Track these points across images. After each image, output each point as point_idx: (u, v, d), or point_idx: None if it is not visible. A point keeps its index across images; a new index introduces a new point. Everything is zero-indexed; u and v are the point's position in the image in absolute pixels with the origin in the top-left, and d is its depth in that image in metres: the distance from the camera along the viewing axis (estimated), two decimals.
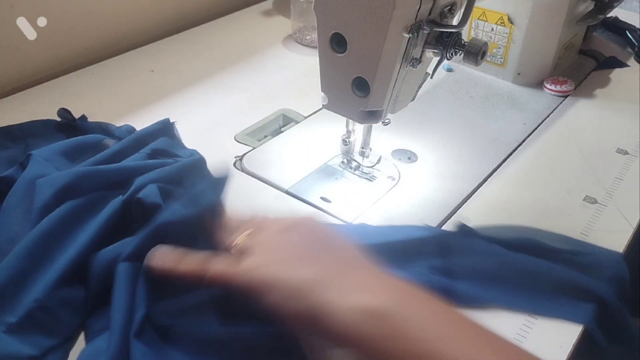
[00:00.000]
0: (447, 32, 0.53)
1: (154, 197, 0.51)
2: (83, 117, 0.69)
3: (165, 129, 0.66)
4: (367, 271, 0.45)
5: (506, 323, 0.49)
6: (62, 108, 0.68)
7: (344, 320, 0.40)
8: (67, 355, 0.45)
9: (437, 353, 0.37)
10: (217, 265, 0.45)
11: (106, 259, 0.48)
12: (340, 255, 0.46)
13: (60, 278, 0.47)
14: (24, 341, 0.43)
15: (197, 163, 0.61)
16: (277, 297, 0.42)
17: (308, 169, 0.66)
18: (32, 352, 0.43)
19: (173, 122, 0.67)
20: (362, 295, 0.41)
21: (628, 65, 0.90)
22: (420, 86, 0.60)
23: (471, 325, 0.40)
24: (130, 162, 0.59)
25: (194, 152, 0.64)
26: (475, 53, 0.54)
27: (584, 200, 0.63)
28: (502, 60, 0.84)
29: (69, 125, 0.67)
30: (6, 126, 0.66)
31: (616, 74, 0.88)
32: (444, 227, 0.58)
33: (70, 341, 0.46)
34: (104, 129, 0.68)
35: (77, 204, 0.52)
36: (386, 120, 0.59)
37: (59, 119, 0.68)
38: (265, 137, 0.74)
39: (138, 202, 0.51)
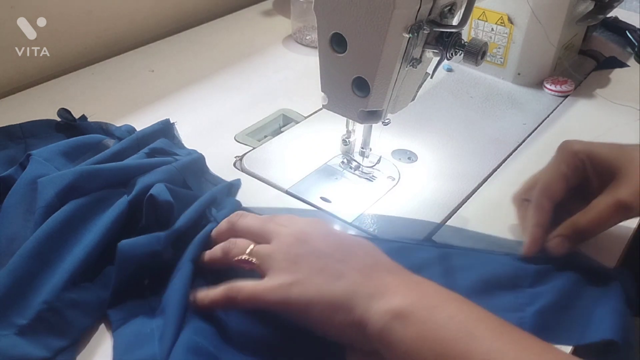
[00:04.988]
0: (447, 32, 0.53)
1: (165, 195, 0.52)
2: (83, 117, 0.69)
3: (166, 129, 0.66)
4: (391, 273, 0.44)
5: None
6: (62, 108, 0.68)
7: (375, 325, 0.40)
8: (74, 356, 0.45)
9: (467, 352, 0.37)
10: (246, 288, 0.45)
11: (138, 253, 0.48)
12: (363, 259, 0.45)
13: (69, 279, 0.47)
14: (34, 343, 0.43)
15: (197, 161, 0.62)
16: (317, 313, 0.42)
17: (308, 169, 0.66)
18: (43, 354, 0.43)
19: (173, 123, 0.67)
20: (388, 298, 0.41)
21: (628, 65, 0.90)
22: (420, 86, 0.60)
23: (499, 323, 0.39)
24: (130, 161, 0.59)
25: (191, 152, 0.64)
26: (475, 53, 0.54)
27: None
28: (502, 60, 0.84)
29: (69, 125, 0.67)
30: (6, 126, 0.66)
31: (616, 74, 0.88)
32: (445, 225, 0.58)
33: (80, 342, 0.46)
34: (104, 129, 0.68)
35: (81, 203, 0.52)
36: (386, 120, 0.59)
37: (58, 119, 0.68)
38: (265, 137, 0.74)
39: (151, 200, 0.51)
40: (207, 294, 0.46)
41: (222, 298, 0.45)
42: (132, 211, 0.52)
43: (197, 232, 0.52)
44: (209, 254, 0.50)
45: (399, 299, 0.41)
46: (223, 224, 0.52)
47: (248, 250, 0.47)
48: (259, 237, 0.48)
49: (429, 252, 0.54)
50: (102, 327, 0.48)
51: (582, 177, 0.55)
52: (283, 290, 0.43)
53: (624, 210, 0.51)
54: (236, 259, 0.47)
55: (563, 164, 0.55)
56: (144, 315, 0.47)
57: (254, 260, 0.46)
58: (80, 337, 0.46)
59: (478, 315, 0.40)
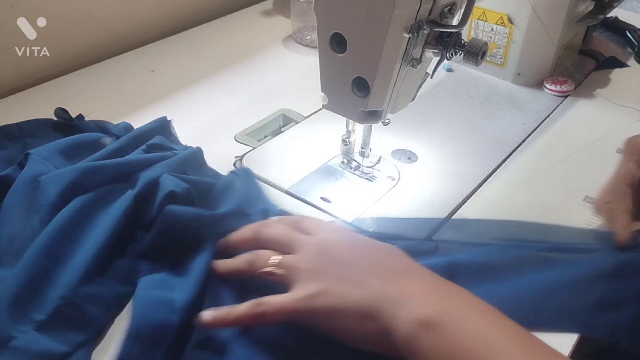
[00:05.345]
0: (447, 32, 0.53)
1: (180, 184, 0.53)
2: (80, 117, 0.69)
3: (163, 126, 0.67)
4: (419, 278, 0.43)
5: None
6: (59, 107, 0.68)
7: (401, 333, 0.40)
8: (91, 351, 0.45)
9: None
10: (273, 302, 0.44)
11: (181, 219, 0.50)
12: (389, 265, 0.45)
13: (84, 274, 0.47)
14: (54, 338, 0.44)
15: (195, 154, 0.62)
16: (345, 322, 0.42)
17: (308, 169, 0.66)
18: (64, 349, 0.43)
19: (170, 120, 0.67)
20: (415, 305, 0.40)
21: (628, 65, 0.90)
22: (420, 86, 0.60)
23: (529, 340, 0.38)
24: (130, 157, 0.60)
25: (188, 147, 0.65)
26: (475, 53, 0.54)
27: (584, 200, 0.62)
28: (502, 60, 0.84)
29: (66, 124, 0.68)
30: (4, 125, 0.66)
31: (616, 74, 0.88)
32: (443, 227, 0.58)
33: (99, 336, 0.46)
34: (101, 127, 0.68)
35: (87, 199, 0.52)
36: (386, 120, 0.59)
37: (56, 119, 0.68)
38: (265, 137, 0.74)
39: (172, 195, 0.52)
40: (231, 311, 0.44)
41: (248, 315, 0.44)
42: (137, 205, 0.53)
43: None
44: (232, 265, 0.49)
45: (427, 307, 0.40)
46: (246, 232, 0.51)
47: (273, 262, 0.46)
48: (283, 247, 0.48)
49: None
50: (118, 321, 0.48)
51: None
52: (309, 300, 0.43)
53: None
54: (261, 271, 0.47)
55: (631, 162, 0.57)
56: (167, 274, 0.49)
57: (279, 272, 0.46)
58: (100, 333, 0.46)
59: (509, 331, 0.39)
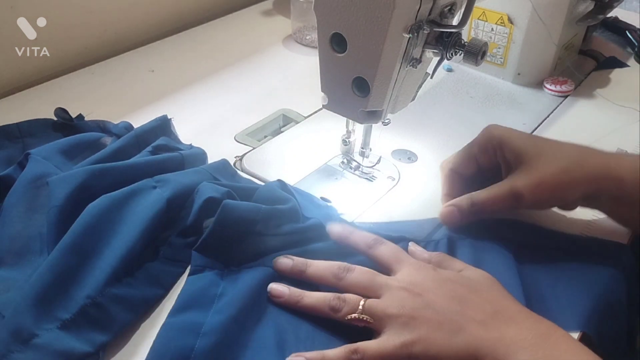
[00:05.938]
0: (447, 32, 0.53)
1: (210, 191, 0.53)
2: (80, 117, 0.69)
3: (164, 125, 0.67)
4: (514, 321, 0.43)
5: None
6: (59, 107, 0.68)
7: None
8: (115, 352, 0.45)
9: None
10: (370, 349, 0.43)
11: (238, 213, 0.51)
12: (482, 307, 0.44)
13: (112, 274, 0.47)
14: (78, 337, 0.43)
15: (225, 165, 0.63)
16: None
17: (308, 169, 0.66)
18: (87, 349, 0.43)
19: (170, 119, 0.67)
20: (519, 354, 0.40)
21: (628, 65, 0.90)
22: (420, 86, 0.60)
23: None
24: (138, 159, 0.59)
25: (192, 147, 0.65)
26: (475, 53, 0.54)
27: None
28: (502, 60, 0.84)
29: (66, 124, 0.68)
30: (4, 125, 0.66)
31: (616, 74, 0.88)
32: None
33: (123, 339, 0.46)
34: (101, 127, 0.68)
35: (115, 196, 0.52)
36: (386, 120, 0.59)
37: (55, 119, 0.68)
38: (265, 137, 0.74)
39: (210, 200, 0.53)
40: (324, 355, 0.43)
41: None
42: (169, 209, 0.53)
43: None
44: (312, 303, 0.47)
45: (530, 357, 0.40)
46: (327, 274, 0.49)
47: (360, 308, 0.45)
48: (368, 292, 0.47)
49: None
50: (144, 324, 0.48)
51: (492, 161, 0.58)
52: (406, 349, 0.42)
53: (516, 199, 0.54)
54: (348, 317, 0.46)
55: (476, 146, 0.58)
56: (217, 274, 0.49)
57: (367, 318, 0.45)
58: (123, 334, 0.46)
59: None
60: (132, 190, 0.53)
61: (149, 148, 0.62)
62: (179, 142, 0.67)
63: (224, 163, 0.63)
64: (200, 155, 0.64)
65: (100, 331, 0.45)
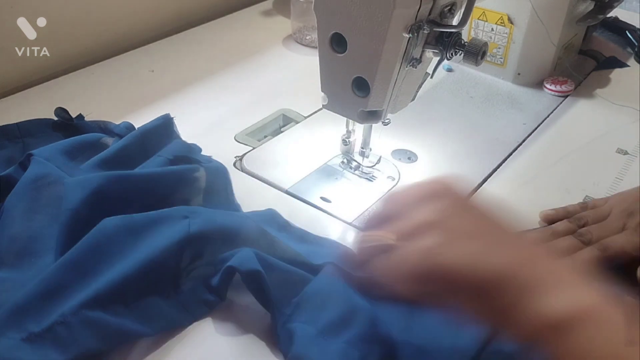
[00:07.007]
0: (447, 32, 0.53)
1: (252, 264, 0.48)
2: (80, 117, 0.69)
3: (166, 124, 0.66)
4: (558, 265, 0.38)
5: None
6: (59, 107, 0.68)
7: (548, 319, 0.35)
8: None
9: None
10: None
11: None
12: (517, 243, 0.39)
13: (93, 297, 0.44)
14: (34, 353, 0.42)
15: (220, 172, 0.61)
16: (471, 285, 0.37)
17: (308, 169, 0.66)
18: None
19: (172, 118, 0.67)
20: (567, 295, 0.36)
21: (628, 65, 0.90)
22: (420, 86, 0.60)
23: None
24: (155, 168, 0.58)
25: (212, 160, 0.63)
26: (475, 53, 0.54)
27: (584, 200, 0.62)
28: (502, 60, 0.84)
29: (66, 124, 0.68)
30: (4, 125, 0.66)
31: (616, 74, 0.88)
32: None
33: None
34: (102, 128, 0.68)
35: (137, 220, 0.50)
36: (386, 120, 0.59)
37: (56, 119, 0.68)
38: (265, 137, 0.74)
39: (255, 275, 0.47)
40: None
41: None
42: (188, 243, 0.49)
43: None
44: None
45: (579, 297, 0.36)
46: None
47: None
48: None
49: None
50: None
51: None
52: (434, 256, 0.38)
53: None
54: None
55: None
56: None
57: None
58: (80, 357, 0.43)
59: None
60: (158, 217, 0.50)
61: (168, 155, 0.60)
62: (178, 136, 0.66)
63: (272, 213, 0.57)
64: (221, 169, 0.62)
65: (59, 351, 0.42)
